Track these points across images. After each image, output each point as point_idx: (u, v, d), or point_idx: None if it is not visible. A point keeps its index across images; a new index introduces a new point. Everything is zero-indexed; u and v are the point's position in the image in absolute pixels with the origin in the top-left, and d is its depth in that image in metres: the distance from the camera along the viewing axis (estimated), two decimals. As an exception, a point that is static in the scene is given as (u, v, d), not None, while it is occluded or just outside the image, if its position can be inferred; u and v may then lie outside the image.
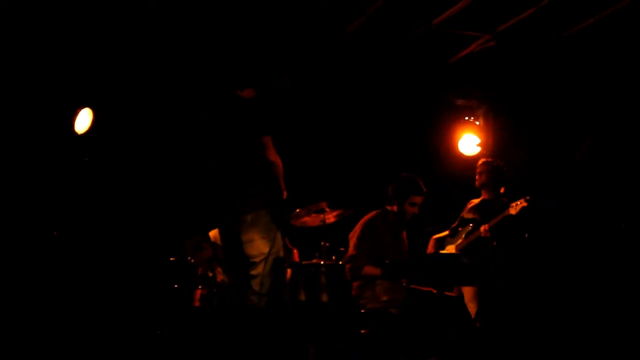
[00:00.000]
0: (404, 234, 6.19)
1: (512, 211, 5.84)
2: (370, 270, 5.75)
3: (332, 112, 7.52)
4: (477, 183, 6.43)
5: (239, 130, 4.78)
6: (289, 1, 6.21)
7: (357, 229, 6.00)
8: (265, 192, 4.68)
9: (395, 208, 5.98)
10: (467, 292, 6.04)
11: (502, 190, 6.27)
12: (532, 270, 6.01)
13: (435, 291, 5.40)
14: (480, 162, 6.47)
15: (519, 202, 5.81)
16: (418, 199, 5.93)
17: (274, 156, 4.71)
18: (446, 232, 6.31)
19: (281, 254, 4.81)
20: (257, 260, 4.67)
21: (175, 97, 6.77)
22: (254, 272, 4.65)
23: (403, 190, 5.93)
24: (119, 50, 6.52)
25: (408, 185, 5.95)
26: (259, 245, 4.65)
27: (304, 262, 6.21)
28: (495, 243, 5.88)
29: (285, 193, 4.72)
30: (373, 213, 6.09)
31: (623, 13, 6.21)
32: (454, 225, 6.29)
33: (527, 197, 5.77)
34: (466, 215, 6.29)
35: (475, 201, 6.41)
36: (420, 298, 5.53)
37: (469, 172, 6.58)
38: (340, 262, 6.06)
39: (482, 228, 6.00)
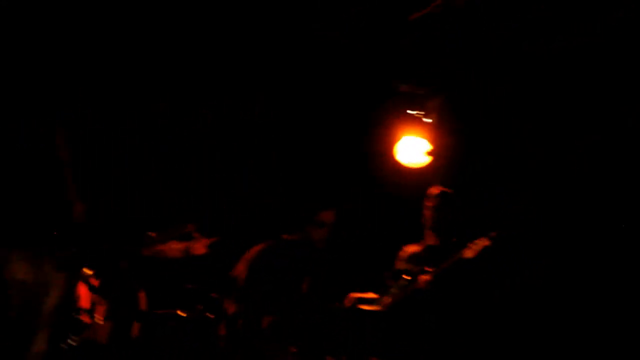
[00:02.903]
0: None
1: (469, 253, 4.71)
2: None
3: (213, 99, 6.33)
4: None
5: None
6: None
7: (242, 266, 5.29)
8: None
9: (297, 235, 5.35)
10: None
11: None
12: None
13: None
14: (426, 196, 5.32)
15: (478, 242, 4.73)
16: (326, 216, 5.36)
17: None
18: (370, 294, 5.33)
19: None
20: None
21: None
22: None
23: (304, 209, 5.43)
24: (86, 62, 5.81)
25: (310, 202, 5.47)
26: None
27: (158, 311, 5.23)
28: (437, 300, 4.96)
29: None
30: (266, 244, 5.38)
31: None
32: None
33: (492, 234, 4.71)
34: (400, 267, 5.25)
35: (414, 248, 5.27)
36: None
37: (414, 188, 5.40)
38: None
39: (421, 278, 4.92)
